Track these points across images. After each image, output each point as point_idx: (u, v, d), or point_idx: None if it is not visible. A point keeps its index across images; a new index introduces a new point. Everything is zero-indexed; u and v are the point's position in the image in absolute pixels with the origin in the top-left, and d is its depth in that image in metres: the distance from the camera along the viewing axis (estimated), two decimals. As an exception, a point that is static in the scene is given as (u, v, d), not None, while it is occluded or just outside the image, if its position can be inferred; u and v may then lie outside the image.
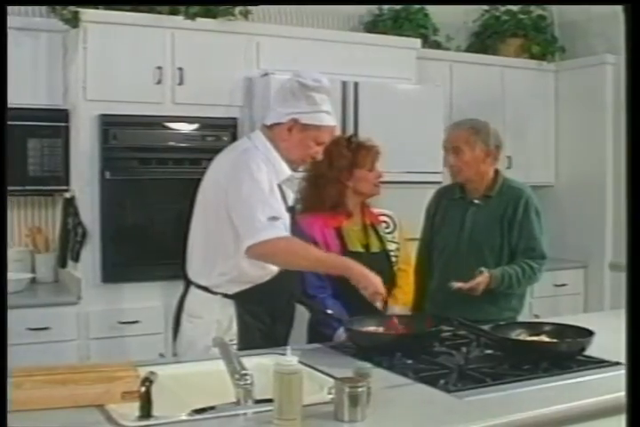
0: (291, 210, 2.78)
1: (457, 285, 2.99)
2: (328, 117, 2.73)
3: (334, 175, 3.09)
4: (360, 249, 3.09)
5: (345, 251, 3.03)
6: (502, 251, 3.19)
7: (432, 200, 3.47)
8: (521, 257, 3.17)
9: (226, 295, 2.67)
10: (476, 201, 3.26)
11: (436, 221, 3.36)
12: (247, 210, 2.54)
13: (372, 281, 2.58)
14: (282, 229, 2.55)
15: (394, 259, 3.17)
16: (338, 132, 2.95)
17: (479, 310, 3.12)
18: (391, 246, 3.17)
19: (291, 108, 2.68)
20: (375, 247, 3.13)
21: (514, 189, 3.26)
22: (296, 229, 2.78)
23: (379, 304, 2.67)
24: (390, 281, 3.12)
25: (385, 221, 3.23)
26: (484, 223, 3.22)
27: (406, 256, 3.26)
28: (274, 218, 2.54)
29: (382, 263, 3.11)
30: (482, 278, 3.00)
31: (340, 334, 2.80)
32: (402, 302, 3.11)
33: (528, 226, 3.18)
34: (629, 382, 1.72)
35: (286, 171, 2.74)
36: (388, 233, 3.19)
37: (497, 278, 3.05)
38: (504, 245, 3.19)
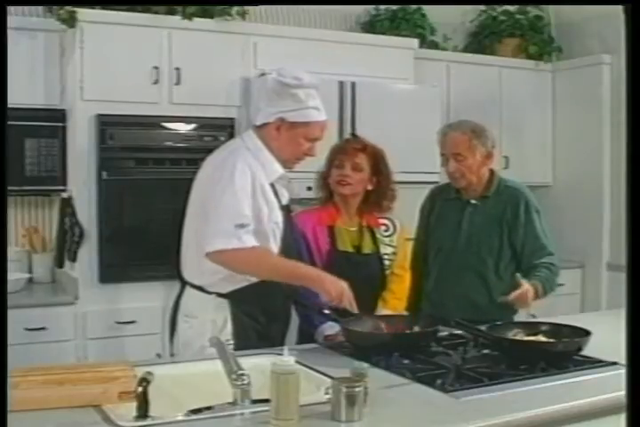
0: (285, 209, 2.78)
1: (502, 298, 2.91)
2: (316, 113, 2.70)
3: (322, 172, 3.17)
4: (350, 249, 3.09)
5: (334, 249, 3.03)
6: (502, 251, 3.19)
7: (426, 200, 3.46)
8: (533, 258, 3.15)
9: (220, 295, 2.67)
10: (473, 201, 3.25)
11: (432, 222, 3.35)
12: (215, 215, 2.53)
13: (326, 287, 2.54)
14: (242, 238, 2.51)
15: (387, 262, 3.15)
16: (330, 127, 2.93)
17: (476, 310, 3.13)
18: (386, 250, 3.16)
19: (276, 108, 2.67)
20: (367, 249, 3.12)
21: (511, 188, 3.25)
22: (290, 227, 2.78)
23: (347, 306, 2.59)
24: (380, 284, 3.12)
25: (385, 224, 3.21)
26: (482, 223, 3.22)
27: (403, 261, 3.24)
28: (241, 226, 2.51)
29: (373, 266, 3.11)
30: (525, 287, 2.88)
31: (321, 331, 2.81)
32: (391, 306, 3.09)
33: (532, 227, 3.18)
34: (629, 382, 1.71)
35: (278, 170, 2.73)
36: (387, 236, 3.18)
37: (540, 289, 3.00)
38: (504, 245, 3.19)
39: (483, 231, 3.21)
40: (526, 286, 2.88)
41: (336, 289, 2.54)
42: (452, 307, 3.14)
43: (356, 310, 2.59)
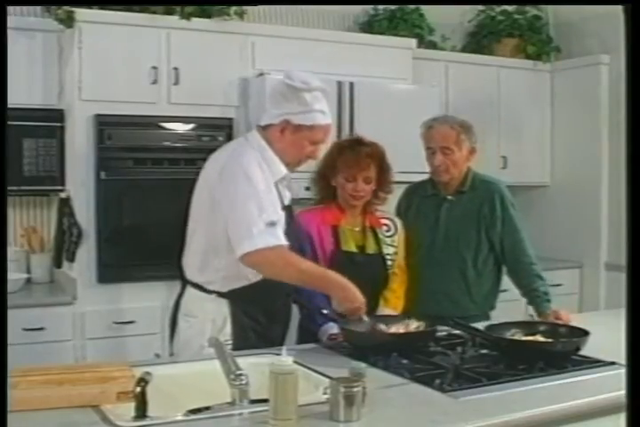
0: (287, 209, 2.78)
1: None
2: (321, 116, 2.69)
3: (323, 171, 3.13)
4: (354, 249, 3.08)
5: (338, 249, 3.04)
6: (480, 246, 3.23)
7: (402, 198, 3.47)
8: (515, 254, 3.20)
9: (220, 294, 2.67)
10: (449, 197, 3.28)
11: (409, 219, 3.34)
12: (244, 214, 2.51)
13: (348, 296, 2.55)
14: (279, 236, 2.52)
15: (390, 262, 3.14)
16: (333, 131, 2.92)
17: (456, 306, 3.18)
18: (388, 250, 3.14)
19: (282, 110, 2.66)
20: (371, 249, 3.11)
21: (486, 183, 3.29)
22: (292, 226, 2.78)
23: (356, 317, 2.60)
24: (383, 283, 3.11)
25: (386, 224, 3.21)
26: (459, 219, 3.25)
27: (401, 260, 3.22)
28: (272, 223, 2.51)
29: (376, 265, 3.10)
30: (566, 318, 2.95)
31: (325, 330, 2.80)
32: (392, 305, 3.08)
33: (510, 221, 3.22)
34: (629, 382, 1.71)
35: (282, 170, 2.72)
36: (388, 237, 3.16)
37: (549, 302, 3.07)
38: (482, 240, 3.22)
39: (460, 226, 3.24)
40: (565, 317, 2.94)
41: (355, 302, 2.56)
42: (432, 302, 3.16)
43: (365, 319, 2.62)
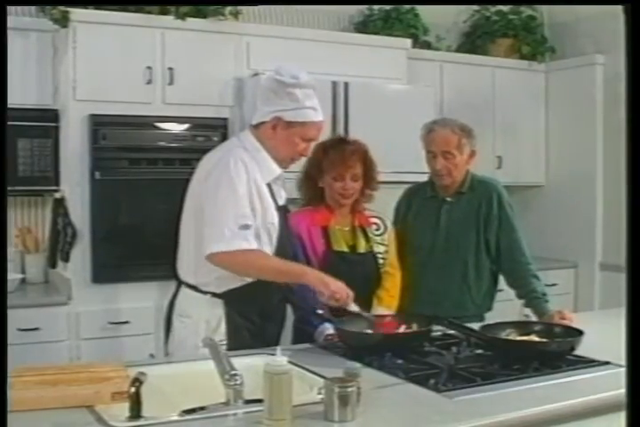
0: (282, 209, 2.78)
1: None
2: (313, 113, 2.69)
3: (309, 172, 3.12)
4: (345, 249, 3.09)
5: (329, 250, 3.04)
6: (479, 246, 3.24)
7: (402, 199, 3.48)
8: (511, 254, 3.21)
9: (215, 295, 2.67)
10: (449, 199, 3.29)
11: (409, 220, 3.36)
12: (219, 216, 2.54)
13: (327, 286, 2.54)
14: (249, 239, 2.55)
15: (381, 261, 3.15)
16: (326, 128, 2.91)
17: (457, 308, 3.19)
18: (379, 249, 3.15)
19: (273, 107, 2.66)
20: (362, 248, 3.12)
21: (484, 183, 3.31)
22: (286, 227, 2.78)
23: (344, 305, 2.59)
24: (376, 282, 3.12)
25: (376, 223, 3.21)
26: (459, 220, 3.26)
27: (394, 259, 3.23)
28: (245, 226, 2.54)
29: (368, 264, 3.11)
30: (568, 314, 2.97)
31: (321, 331, 2.80)
32: (386, 304, 3.08)
33: (507, 219, 3.23)
34: (629, 382, 1.71)
35: (275, 170, 2.73)
36: (378, 235, 3.17)
37: (548, 302, 3.08)
38: (480, 240, 3.24)
39: (461, 229, 3.26)
40: (570, 317, 2.94)
41: (333, 290, 2.54)
42: (432, 304, 3.16)
43: (353, 309, 2.60)
